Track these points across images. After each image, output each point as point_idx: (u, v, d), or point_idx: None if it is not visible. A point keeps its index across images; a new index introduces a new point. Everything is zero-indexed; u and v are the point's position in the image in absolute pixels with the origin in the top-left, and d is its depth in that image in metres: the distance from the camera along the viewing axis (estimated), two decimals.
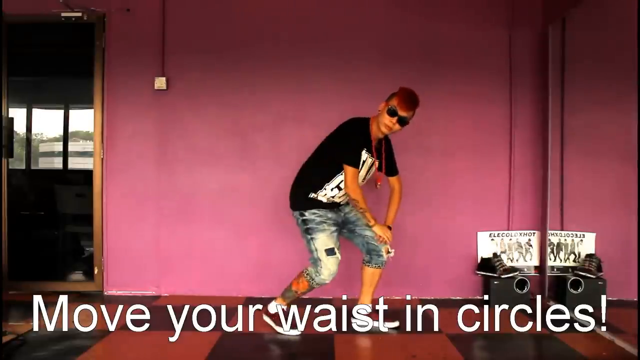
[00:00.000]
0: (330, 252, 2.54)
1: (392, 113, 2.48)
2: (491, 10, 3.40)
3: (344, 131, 2.58)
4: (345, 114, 3.20)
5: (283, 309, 2.67)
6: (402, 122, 2.50)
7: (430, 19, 3.39)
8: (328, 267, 2.53)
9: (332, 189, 2.60)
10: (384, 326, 2.71)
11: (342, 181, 2.57)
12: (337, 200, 2.64)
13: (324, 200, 2.61)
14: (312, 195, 2.59)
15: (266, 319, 2.69)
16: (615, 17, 3.20)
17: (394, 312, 2.88)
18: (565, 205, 3.39)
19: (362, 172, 2.61)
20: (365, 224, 2.66)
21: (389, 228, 2.70)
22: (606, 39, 3.29)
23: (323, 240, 2.54)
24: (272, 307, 2.69)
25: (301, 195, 2.62)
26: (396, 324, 2.72)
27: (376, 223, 2.61)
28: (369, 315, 2.77)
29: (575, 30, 3.28)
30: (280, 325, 2.63)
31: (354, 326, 2.77)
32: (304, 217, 2.59)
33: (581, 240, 3.37)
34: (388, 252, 2.68)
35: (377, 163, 2.66)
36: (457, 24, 3.38)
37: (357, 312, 2.79)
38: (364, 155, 2.57)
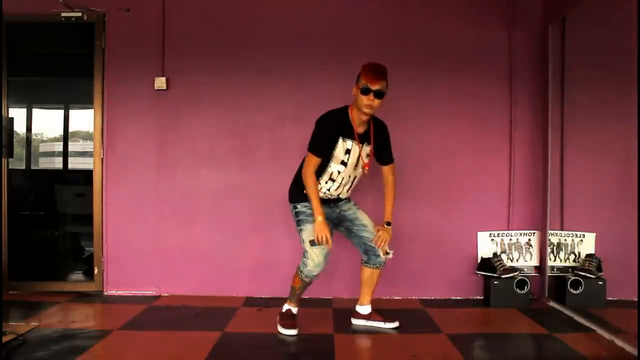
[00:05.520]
0: (314, 243, 2.54)
1: (365, 91, 2.45)
2: (491, 10, 3.40)
3: (316, 122, 2.59)
4: None
5: (290, 310, 2.71)
6: (378, 95, 2.45)
7: (430, 18, 3.39)
8: (312, 258, 2.54)
9: (326, 182, 2.60)
10: (384, 326, 2.71)
11: (333, 172, 2.58)
12: (333, 194, 2.63)
13: (320, 195, 2.60)
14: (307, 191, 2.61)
15: (279, 326, 2.69)
16: (615, 17, 3.20)
17: (394, 312, 2.89)
18: (565, 205, 3.39)
19: (352, 159, 2.58)
20: (362, 224, 2.66)
21: (389, 224, 2.67)
22: (606, 39, 3.29)
23: (310, 231, 2.55)
24: (284, 308, 2.74)
25: (297, 189, 2.64)
26: (396, 324, 2.72)
27: (320, 218, 2.48)
28: (369, 315, 2.77)
29: (575, 30, 3.28)
30: (284, 327, 2.63)
31: (354, 326, 2.77)
32: (297, 210, 2.62)
33: (581, 240, 3.37)
34: (386, 254, 2.67)
35: (361, 148, 2.58)
36: (457, 24, 3.38)
37: (357, 312, 2.80)
38: (348, 143, 2.55)
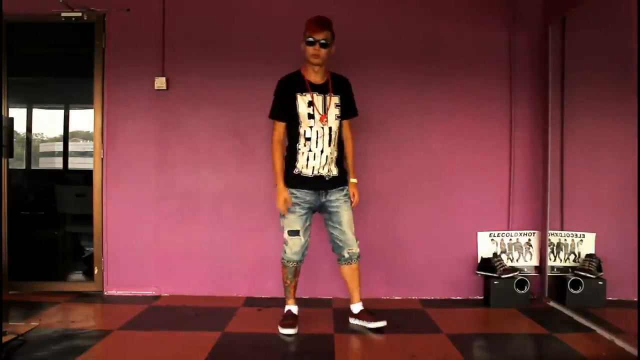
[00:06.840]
0: (293, 233, 2.64)
1: (310, 42, 2.57)
2: (491, 10, 3.40)
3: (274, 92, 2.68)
4: None
5: (290, 311, 2.72)
6: (323, 44, 2.57)
7: (430, 18, 3.39)
8: (290, 246, 2.66)
9: (304, 145, 2.61)
10: (368, 325, 2.70)
11: (305, 131, 2.60)
12: (322, 169, 2.62)
13: (309, 174, 2.62)
14: (297, 170, 2.63)
15: (279, 326, 2.69)
16: (615, 17, 3.20)
17: (394, 312, 2.89)
18: (565, 205, 3.39)
19: (318, 109, 2.60)
20: (338, 221, 2.67)
21: (355, 182, 2.73)
22: (606, 39, 3.29)
23: (290, 220, 2.64)
24: (284, 309, 2.74)
25: (288, 172, 2.67)
26: (382, 323, 2.67)
27: (280, 185, 2.62)
28: (357, 314, 2.77)
29: (575, 30, 3.28)
30: (283, 327, 2.63)
31: (352, 326, 2.77)
32: None
33: (581, 240, 3.37)
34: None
35: (324, 96, 2.63)
36: (457, 24, 3.38)
37: (351, 312, 2.80)
38: (307, 96, 2.60)
